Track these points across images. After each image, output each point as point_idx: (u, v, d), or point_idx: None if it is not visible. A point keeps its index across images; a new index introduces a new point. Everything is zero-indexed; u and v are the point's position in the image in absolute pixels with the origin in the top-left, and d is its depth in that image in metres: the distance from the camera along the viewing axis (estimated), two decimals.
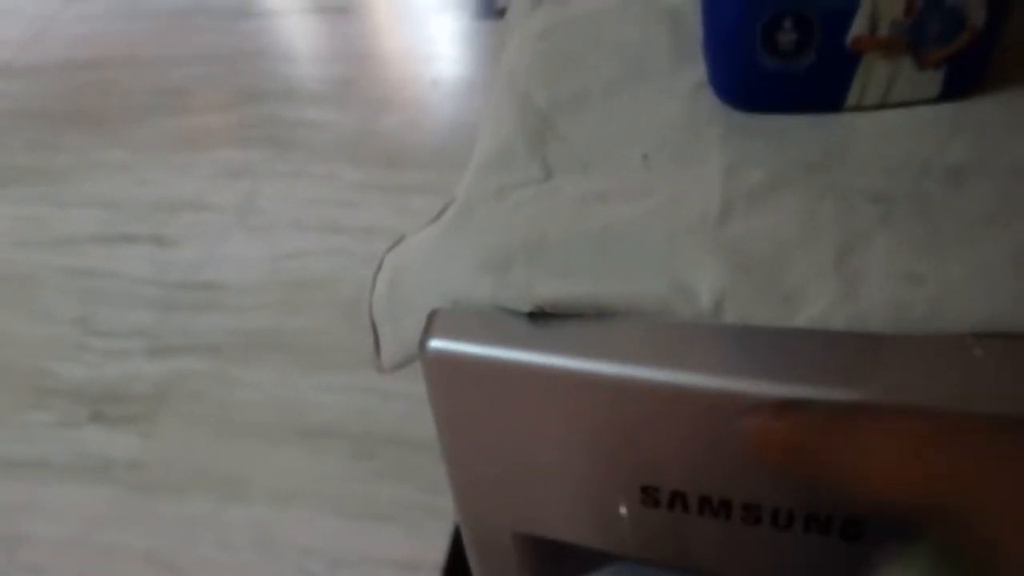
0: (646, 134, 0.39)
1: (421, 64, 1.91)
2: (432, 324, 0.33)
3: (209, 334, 1.39)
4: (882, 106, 0.38)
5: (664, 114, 0.39)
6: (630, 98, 0.41)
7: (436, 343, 0.33)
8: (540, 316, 0.32)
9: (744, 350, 0.31)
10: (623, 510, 0.34)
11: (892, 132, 0.37)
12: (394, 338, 0.35)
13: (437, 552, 1.08)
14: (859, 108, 0.38)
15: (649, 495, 0.33)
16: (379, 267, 0.38)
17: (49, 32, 2.09)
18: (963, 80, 0.37)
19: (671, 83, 0.41)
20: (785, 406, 0.28)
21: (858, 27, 0.35)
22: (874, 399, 0.28)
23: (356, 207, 1.55)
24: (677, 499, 0.33)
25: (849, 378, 0.29)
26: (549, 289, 0.32)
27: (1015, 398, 0.28)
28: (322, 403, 1.26)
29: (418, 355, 0.33)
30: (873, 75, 0.37)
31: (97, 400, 1.32)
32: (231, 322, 1.40)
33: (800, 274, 0.31)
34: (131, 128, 1.77)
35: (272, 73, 1.89)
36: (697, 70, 0.41)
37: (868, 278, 0.31)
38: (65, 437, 1.28)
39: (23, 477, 1.23)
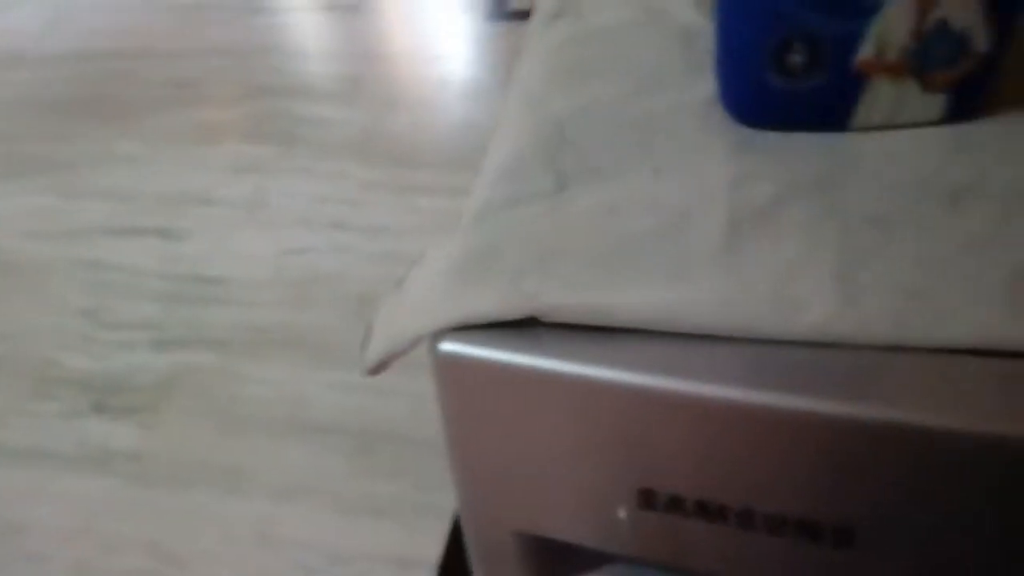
0: (657, 146, 0.40)
1: (431, 64, 1.92)
2: (447, 329, 0.34)
3: (214, 328, 1.40)
4: (887, 127, 0.39)
5: (676, 128, 0.40)
6: (642, 111, 0.42)
7: (448, 346, 0.34)
8: (544, 325, 0.33)
9: (743, 361, 0.32)
10: (621, 513, 0.35)
11: (895, 153, 0.38)
12: (385, 339, 0.35)
13: (434, 549, 1.09)
14: (865, 128, 0.39)
15: (647, 498, 0.34)
16: (401, 280, 0.39)
17: (64, 22, 2.10)
18: (966, 103, 0.38)
19: (683, 97, 0.42)
20: None
21: (866, 51, 0.36)
22: (868, 413, 0.29)
23: (363, 205, 1.56)
24: (674, 503, 0.34)
25: (845, 391, 0.30)
26: (559, 299, 0.33)
27: (1009, 416, 0.29)
28: (325, 399, 1.27)
29: (400, 356, 0.34)
30: (879, 97, 0.38)
31: (101, 391, 1.33)
32: (237, 317, 1.41)
33: (803, 286, 0.32)
34: (143, 120, 1.78)
35: (283, 69, 1.90)
36: (708, 86, 0.42)
37: (869, 291, 0.32)
38: (69, 427, 1.29)
39: (26, 466, 1.24)
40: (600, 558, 0.41)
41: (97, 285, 1.46)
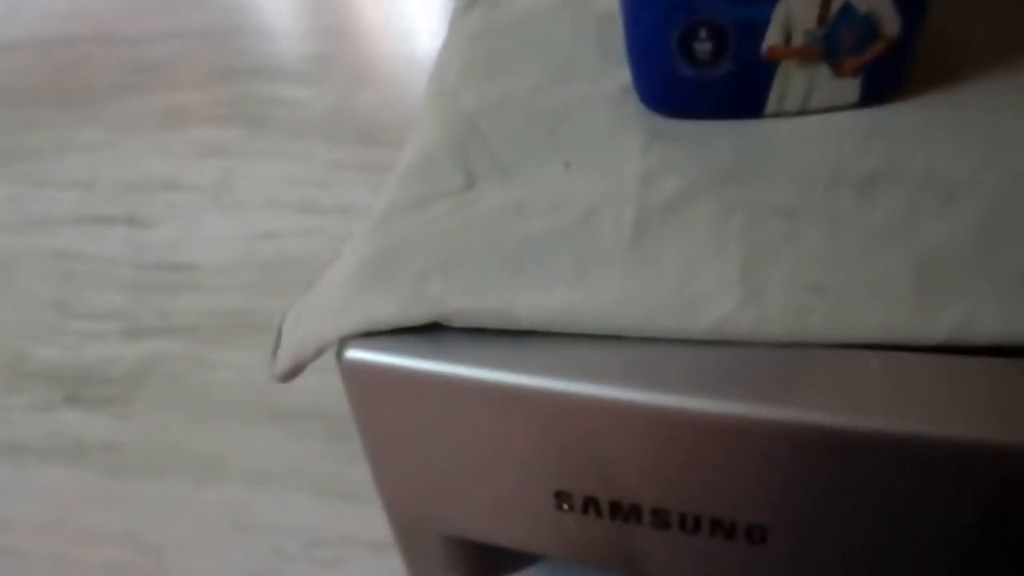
0: (569, 140, 0.39)
1: (400, 41, 1.90)
2: (351, 335, 0.33)
3: (185, 315, 1.39)
4: (802, 112, 0.38)
5: (589, 119, 0.40)
6: (557, 101, 0.41)
7: (352, 353, 0.33)
8: (452, 329, 0.33)
9: (647, 361, 0.31)
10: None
11: (809, 139, 0.37)
12: (292, 345, 0.35)
13: None
14: (779, 114, 0.38)
15: (563, 500, 0.34)
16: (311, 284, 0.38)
17: (23, 8, 2.07)
18: (880, 87, 0.38)
19: (598, 87, 0.41)
20: None
21: (772, 37, 0.36)
22: (771, 414, 0.29)
23: (332, 186, 1.54)
24: (590, 504, 0.34)
25: (748, 390, 0.30)
26: (462, 304, 0.33)
27: (907, 414, 0.29)
28: (297, 383, 1.26)
29: (308, 364, 0.34)
30: (790, 83, 0.37)
31: (73, 383, 1.33)
32: (207, 303, 1.40)
33: (706, 284, 0.32)
34: (106, 106, 1.76)
35: (249, 50, 1.88)
36: (624, 74, 0.41)
37: (771, 288, 0.31)
38: (41, 420, 1.29)
39: None
40: (530, 557, 0.41)
41: (65, 275, 1.45)
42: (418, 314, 0.33)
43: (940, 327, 0.29)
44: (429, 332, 0.33)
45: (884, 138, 0.37)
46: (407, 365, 0.33)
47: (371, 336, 0.33)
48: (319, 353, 0.34)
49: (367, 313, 0.33)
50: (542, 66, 0.42)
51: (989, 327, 0.29)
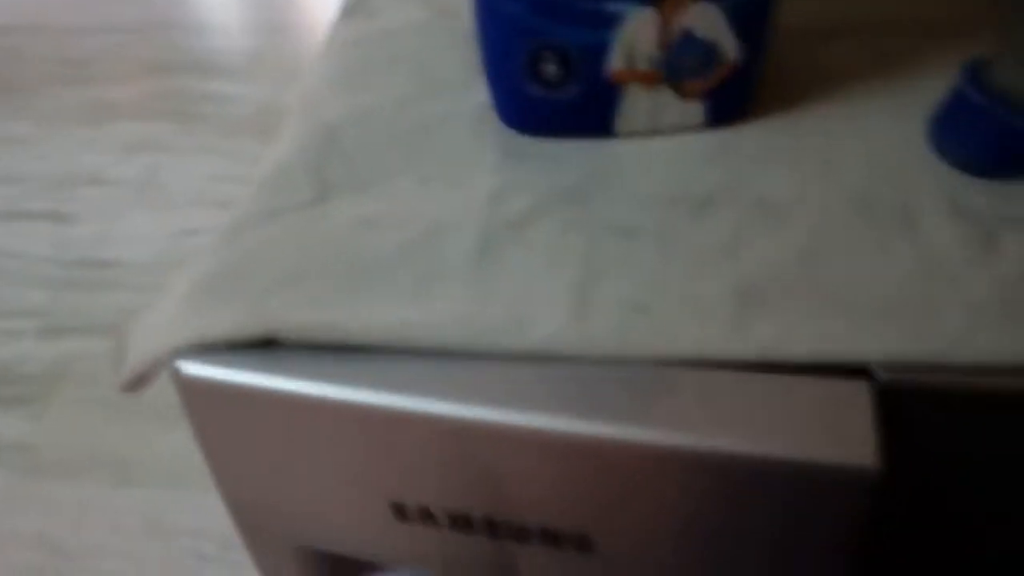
0: (428, 156, 0.39)
1: None
2: (185, 349, 0.33)
3: (105, 313, 1.37)
4: (651, 133, 0.39)
5: (448, 135, 0.40)
6: (420, 116, 0.41)
7: (188, 368, 0.33)
8: (290, 345, 0.33)
9: (478, 378, 0.32)
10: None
11: (654, 160, 0.38)
12: (132, 357, 0.35)
13: None
14: (630, 134, 0.39)
15: (400, 511, 0.35)
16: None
17: None
18: (726, 110, 0.39)
19: (461, 103, 0.42)
20: None
21: (615, 61, 0.36)
22: (587, 428, 0.30)
23: None
24: (425, 514, 0.35)
25: (569, 406, 0.31)
26: (297, 318, 0.33)
27: (715, 431, 0.30)
28: None
29: (151, 375, 0.34)
30: (637, 105, 0.38)
31: None
32: (128, 301, 1.38)
33: (538, 302, 0.33)
34: (33, 99, 1.72)
35: (181, 45, 1.85)
36: (486, 92, 0.42)
37: (598, 307, 0.32)
38: None
39: None
40: (377, 565, 0.42)
41: None
42: (252, 329, 0.33)
43: (752, 345, 0.30)
44: (267, 348, 0.34)
45: (725, 160, 0.38)
46: (240, 380, 0.33)
47: (207, 351, 0.34)
48: (157, 365, 0.34)
49: (201, 327, 0.33)
50: (409, 80, 0.43)
51: (799, 346, 0.30)
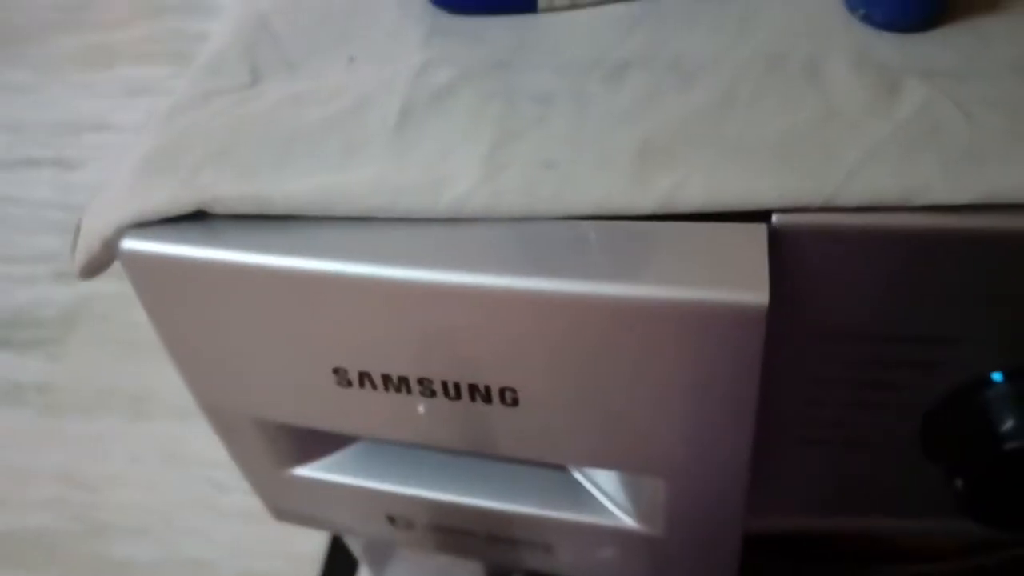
0: (357, 35, 0.40)
1: None
2: (127, 227, 0.35)
3: None
4: (571, 7, 0.39)
5: (377, 15, 0.41)
6: None
7: (128, 244, 0.35)
8: (225, 217, 0.34)
9: (397, 241, 0.33)
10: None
11: (577, 30, 0.38)
12: (83, 241, 0.36)
13: None
14: (552, 9, 0.39)
15: (341, 376, 0.36)
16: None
17: None
18: None
19: None
20: None
21: None
22: (498, 282, 0.31)
23: None
24: (365, 378, 0.36)
25: (482, 263, 0.31)
26: (224, 190, 0.34)
27: (616, 277, 0.30)
28: None
29: (105, 259, 0.35)
30: None
31: (6, 326, 1.34)
32: None
33: (452, 165, 0.33)
34: (30, 46, 1.73)
35: None
36: None
37: (510, 166, 0.33)
38: None
39: None
40: (343, 439, 0.43)
41: None
42: (184, 203, 0.34)
43: (650, 196, 0.31)
44: (205, 221, 0.35)
45: (646, 27, 0.38)
46: (176, 253, 0.34)
47: (147, 227, 0.35)
48: (107, 247, 0.35)
49: (140, 204, 0.34)
50: None
51: (694, 195, 0.31)
